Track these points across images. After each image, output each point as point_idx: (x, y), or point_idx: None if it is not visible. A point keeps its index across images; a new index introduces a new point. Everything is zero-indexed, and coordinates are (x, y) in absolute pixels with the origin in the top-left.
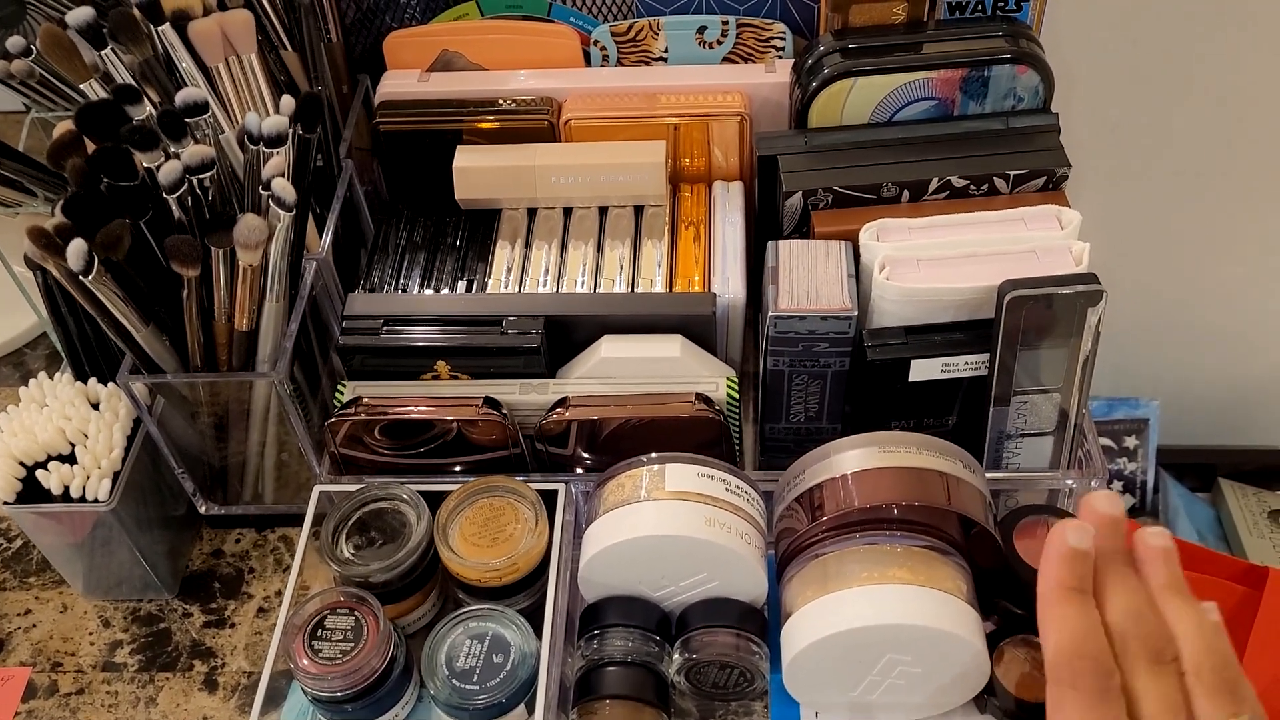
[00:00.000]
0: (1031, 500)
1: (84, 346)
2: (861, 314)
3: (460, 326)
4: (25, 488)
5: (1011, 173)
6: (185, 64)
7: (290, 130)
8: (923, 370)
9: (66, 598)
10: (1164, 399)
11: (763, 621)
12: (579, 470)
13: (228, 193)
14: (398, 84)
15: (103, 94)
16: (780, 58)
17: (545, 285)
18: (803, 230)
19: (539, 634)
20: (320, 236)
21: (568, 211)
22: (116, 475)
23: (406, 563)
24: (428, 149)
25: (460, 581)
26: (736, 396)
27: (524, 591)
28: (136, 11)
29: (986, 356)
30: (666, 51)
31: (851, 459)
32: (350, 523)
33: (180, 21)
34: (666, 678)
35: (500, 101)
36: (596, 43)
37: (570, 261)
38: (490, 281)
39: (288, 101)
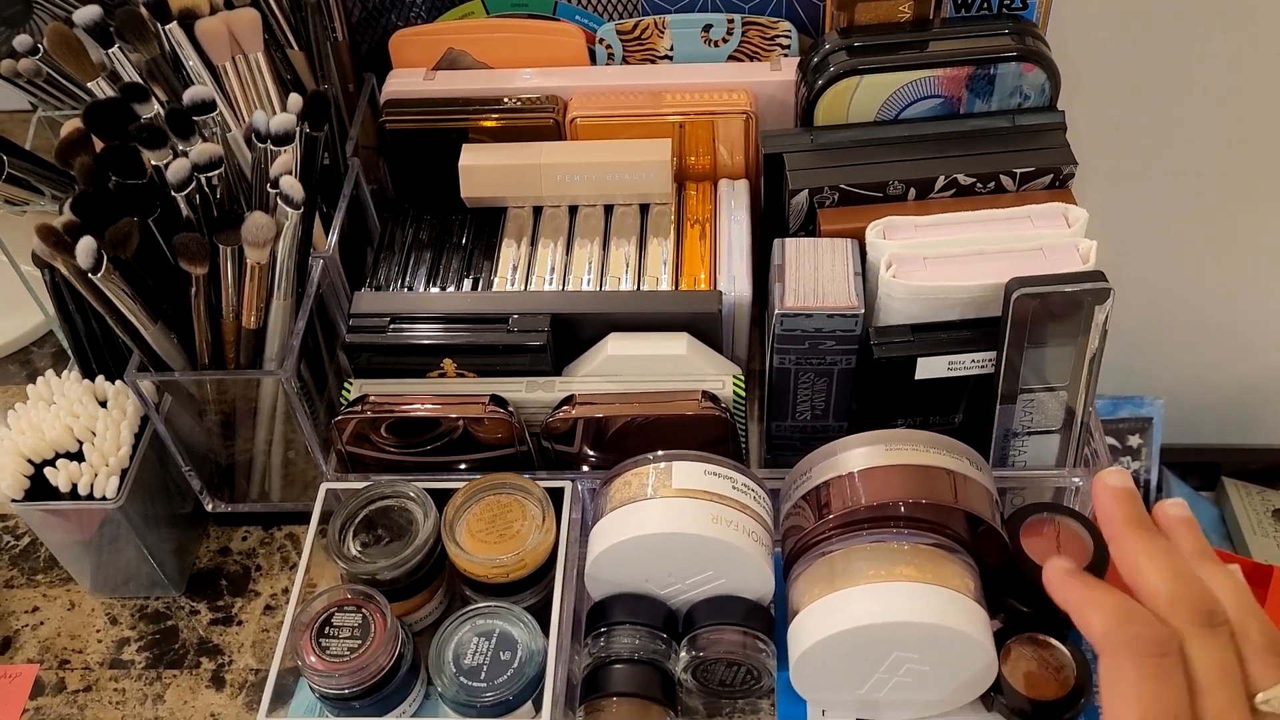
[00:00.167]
0: (1038, 498)
1: (91, 344)
2: (868, 312)
3: (466, 324)
4: (33, 485)
5: (1018, 170)
6: (192, 62)
7: (298, 128)
8: (929, 368)
9: (74, 595)
10: (1168, 398)
11: (769, 619)
12: (585, 468)
13: (235, 191)
14: (403, 82)
15: (110, 92)
16: (786, 56)
17: (551, 283)
18: (809, 228)
19: (546, 631)
20: (327, 235)
21: (573, 210)
22: (124, 473)
23: (413, 560)
24: (433, 147)
25: (467, 578)
26: (743, 394)
27: (531, 589)
28: (143, 10)
29: (993, 354)
30: (672, 50)
31: (858, 457)
32: (357, 520)
33: (187, 20)
34: (673, 675)
35: (506, 100)
36: (602, 41)
37: (576, 259)
38: (496, 279)
39: (296, 100)
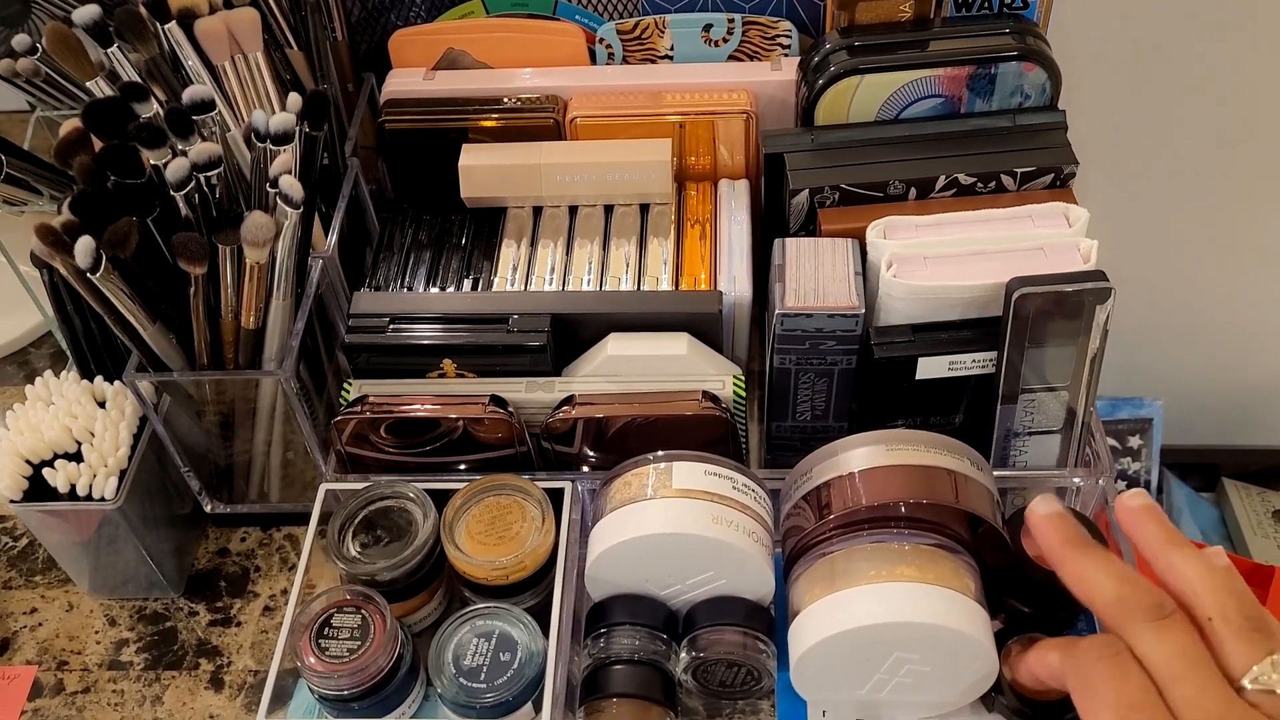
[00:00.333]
0: None
1: (90, 345)
2: (868, 312)
3: (466, 325)
4: (31, 486)
5: (1019, 170)
6: (191, 62)
7: (297, 128)
8: (930, 368)
9: (72, 596)
10: (1168, 399)
11: (770, 620)
12: (585, 468)
13: (234, 191)
14: (403, 82)
15: (109, 92)
16: (786, 55)
17: (551, 283)
18: (809, 228)
19: (546, 632)
20: (326, 235)
21: (573, 210)
22: (123, 473)
23: (413, 561)
24: (433, 147)
25: (467, 580)
26: (743, 394)
27: (530, 590)
28: (142, 9)
29: (994, 354)
30: (672, 49)
31: (859, 457)
32: (356, 521)
33: (186, 19)
34: (673, 676)
35: (505, 100)
36: (602, 41)
37: (576, 260)
38: (496, 280)
39: (295, 99)
